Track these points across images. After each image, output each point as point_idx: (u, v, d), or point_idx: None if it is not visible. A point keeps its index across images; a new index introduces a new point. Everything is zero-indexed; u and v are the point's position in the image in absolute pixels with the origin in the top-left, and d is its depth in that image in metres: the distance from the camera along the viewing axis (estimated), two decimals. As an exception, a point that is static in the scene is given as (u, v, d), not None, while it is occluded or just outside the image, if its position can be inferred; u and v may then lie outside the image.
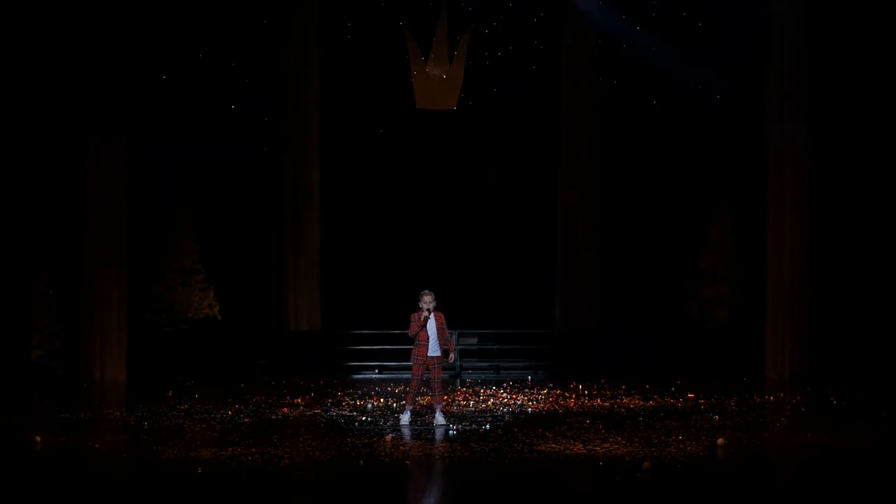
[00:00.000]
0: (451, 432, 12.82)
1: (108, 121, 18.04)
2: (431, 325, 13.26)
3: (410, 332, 13.28)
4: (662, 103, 20.18)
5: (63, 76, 18.32)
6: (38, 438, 12.28)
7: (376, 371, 18.77)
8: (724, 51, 19.63)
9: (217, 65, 19.72)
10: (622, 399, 15.58)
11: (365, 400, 15.43)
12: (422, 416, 13.88)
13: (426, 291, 13.28)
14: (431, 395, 13.61)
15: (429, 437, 12.66)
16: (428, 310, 13.13)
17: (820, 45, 18.44)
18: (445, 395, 14.04)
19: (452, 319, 13.69)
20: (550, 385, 17.06)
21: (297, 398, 15.72)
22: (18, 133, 18.36)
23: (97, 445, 12.05)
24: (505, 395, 16.06)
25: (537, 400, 15.49)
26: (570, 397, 15.74)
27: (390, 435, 12.55)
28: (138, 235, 18.98)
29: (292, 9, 19.84)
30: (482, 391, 16.46)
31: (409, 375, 13.59)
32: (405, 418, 13.52)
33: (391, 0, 19.80)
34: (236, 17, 19.73)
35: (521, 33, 20.08)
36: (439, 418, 13.42)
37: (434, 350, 13.25)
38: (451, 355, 13.60)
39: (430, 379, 13.35)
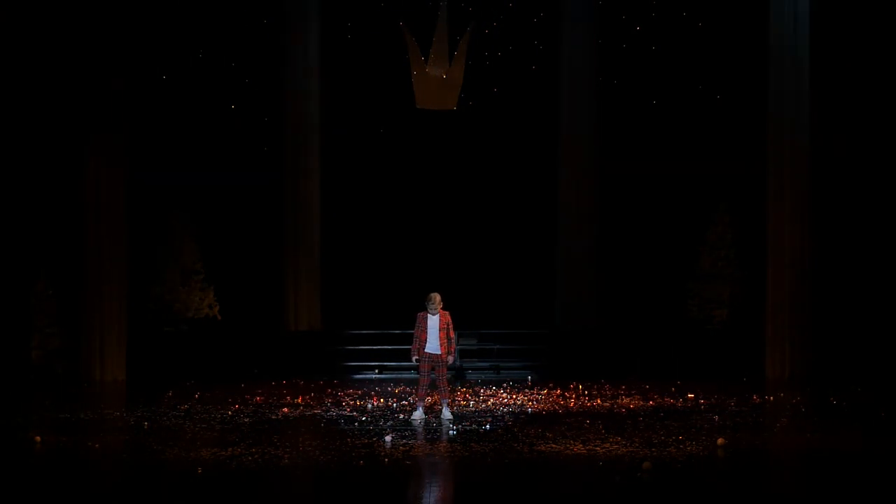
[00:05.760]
0: (451, 432, 12.83)
1: (108, 121, 18.04)
2: (433, 324, 13.46)
3: (413, 347, 13.74)
4: (662, 103, 20.19)
5: (63, 77, 18.33)
6: (38, 438, 12.29)
7: (376, 371, 18.78)
8: (725, 50, 19.65)
9: (217, 66, 19.73)
10: (622, 399, 15.58)
11: (365, 400, 15.45)
12: (430, 413, 13.91)
13: (432, 295, 13.49)
14: (438, 392, 13.88)
15: (429, 436, 12.67)
16: (417, 358, 13.61)
17: (820, 45, 18.43)
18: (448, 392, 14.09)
19: (452, 319, 13.72)
20: (550, 385, 17.05)
21: (298, 398, 15.72)
22: (19, 133, 18.37)
23: (97, 445, 12.05)
24: (505, 395, 16.07)
25: (537, 400, 15.49)
26: (570, 397, 15.74)
27: (390, 435, 12.55)
28: (138, 236, 18.99)
29: (292, 9, 19.85)
30: (482, 391, 16.47)
31: (407, 376, 13.68)
32: (417, 415, 13.63)
33: (391, 0, 19.81)
34: (236, 19, 19.75)
35: (521, 33, 20.08)
36: (446, 413, 13.69)
37: (433, 347, 13.48)
38: (450, 357, 13.70)
39: (436, 376, 13.65)
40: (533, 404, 15.07)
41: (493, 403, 15.18)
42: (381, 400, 15.48)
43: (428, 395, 14.17)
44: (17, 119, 18.35)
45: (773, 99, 18.36)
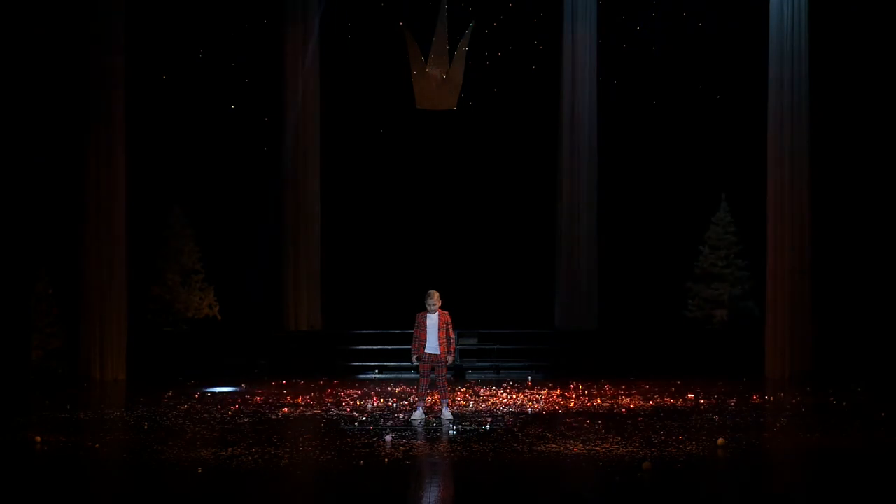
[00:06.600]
0: (451, 432, 12.83)
1: (108, 121, 18.04)
2: (432, 324, 13.48)
3: (413, 347, 13.72)
4: (662, 103, 20.20)
5: (64, 76, 18.34)
6: (38, 438, 12.29)
7: (376, 371, 18.78)
8: (725, 50, 19.66)
9: (217, 66, 19.74)
10: (622, 399, 15.59)
11: (365, 400, 15.45)
12: (430, 413, 13.92)
13: (431, 292, 13.53)
14: (438, 392, 13.92)
15: (429, 436, 12.66)
16: (417, 357, 13.60)
17: (820, 44, 18.44)
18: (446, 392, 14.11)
19: (452, 319, 13.73)
20: (550, 385, 17.06)
21: (298, 398, 15.73)
22: (19, 133, 18.38)
23: (97, 445, 12.05)
24: (505, 395, 16.06)
25: (537, 400, 15.49)
26: (570, 397, 15.74)
27: (390, 435, 12.55)
28: (138, 235, 18.99)
29: (292, 10, 19.85)
30: (482, 391, 16.47)
31: (407, 376, 13.67)
32: (417, 415, 13.65)
33: (391, 0, 19.82)
34: (236, 19, 19.75)
35: (521, 33, 20.09)
36: (445, 413, 13.72)
37: (432, 347, 13.51)
38: (449, 357, 13.71)
39: (436, 376, 13.68)
40: (533, 404, 15.07)
41: (493, 403, 15.18)
42: (381, 400, 15.48)
43: (428, 395, 14.18)
44: (17, 118, 18.34)
45: (772, 98, 18.35)
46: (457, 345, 14.26)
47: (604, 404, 15.08)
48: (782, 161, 18.25)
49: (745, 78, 19.42)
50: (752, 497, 9.94)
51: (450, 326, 13.63)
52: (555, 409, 14.74)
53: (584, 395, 16.06)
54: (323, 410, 14.67)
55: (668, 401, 15.38)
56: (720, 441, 11.99)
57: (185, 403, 15.17)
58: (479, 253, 21.02)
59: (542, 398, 15.68)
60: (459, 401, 15.33)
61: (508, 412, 14.40)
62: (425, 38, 19.91)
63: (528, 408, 14.78)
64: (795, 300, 18.21)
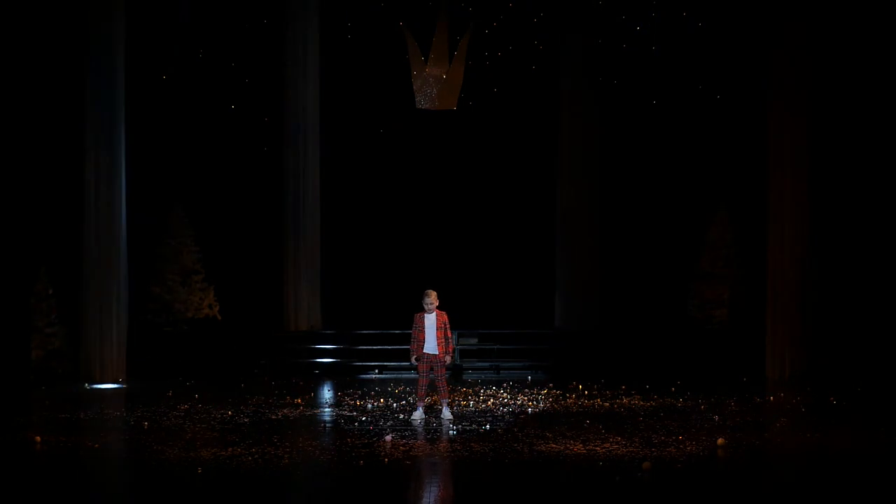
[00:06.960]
0: (451, 432, 12.83)
1: (108, 121, 18.03)
2: (430, 324, 13.49)
3: (412, 348, 13.71)
4: (662, 103, 20.21)
5: (62, 75, 18.33)
6: (38, 438, 12.29)
7: (376, 371, 18.79)
8: (724, 50, 19.66)
9: (217, 66, 19.75)
10: (622, 399, 15.58)
11: (365, 400, 15.45)
12: (430, 412, 13.93)
13: (428, 291, 13.55)
14: (438, 392, 13.90)
15: (429, 436, 12.67)
16: (416, 358, 13.56)
17: (821, 43, 18.43)
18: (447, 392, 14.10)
19: (452, 319, 13.75)
20: (550, 385, 17.05)
21: (297, 398, 15.72)
22: (18, 132, 18.37)
23: (97, 445, 12.05)
24: (505, 394, 16.06)
25: (537, 400, 15.49)
26: (570, 397, 15.74)
27: (390, 435, 12.55)
28: (138, 235, 18.99)
29: (292, 10, 19.86)
30: (482, 391, 16.46)
31: (407, 376, 13.66)
32: (417, 415, 13.67)
33: (391, 0, 19.82)
34: (236, 17, 19.77)
35: (521, 33, 20.10)
36: (446, 413, 13.71)
37: (430, 348, 13.53)
38: (447, 357, 13.72)
39: (435, 377, 13.67)
40: (533, 404, 15.07)
41: (493, 403, 15.18)
42: (381, 400, 15.48)
43: (428, 395, 14.19)
44: (17, 118, 18.34)
45: (773, 97, 18.35)
46: (456, 345, 14.26)
47: (604, 404, 15.08)
48: (782, 161, 18.23)
49: (746, 78, 19.42)
50: (752, 497, 9.94)
51: (447, 326, 13.64)
52: (555, 409, 14.74)
53: (584, 395, 16.06)
54: (323, 410, 14.67)
55: (668, 401, 15.38)
56: (720, 441, 11.98)
57: (185, 403, 15.17)
58: (479, 253, 21.04)
59: (542, 398, 15.68)
60: (459, 401, 15.33)
61: (508, 412, 14.40)
62: (425, 38, 19.91)
63: (528, 408, 14.78)
64: (795, 300, 18.20)
